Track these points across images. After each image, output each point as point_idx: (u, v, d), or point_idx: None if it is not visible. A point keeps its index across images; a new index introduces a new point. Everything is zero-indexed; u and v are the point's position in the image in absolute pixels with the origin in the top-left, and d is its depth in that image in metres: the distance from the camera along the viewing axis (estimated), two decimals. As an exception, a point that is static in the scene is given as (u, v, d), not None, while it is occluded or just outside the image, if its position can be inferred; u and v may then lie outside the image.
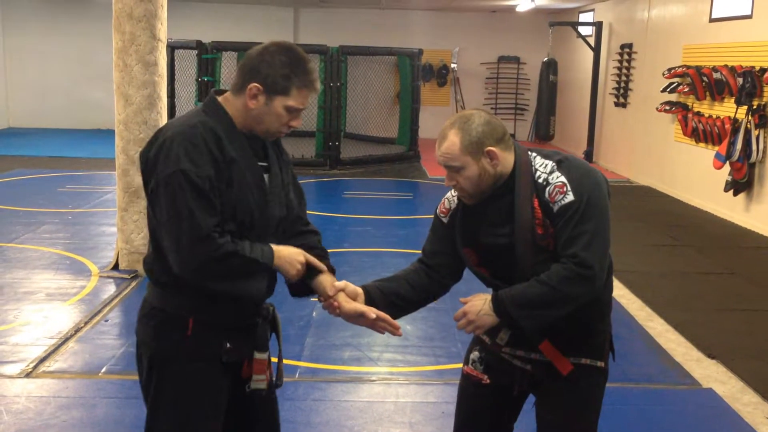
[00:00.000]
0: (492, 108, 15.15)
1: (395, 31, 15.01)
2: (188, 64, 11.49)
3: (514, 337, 2.16)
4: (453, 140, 2.06)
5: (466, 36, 15.57)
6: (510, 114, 15.46)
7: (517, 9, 13.87)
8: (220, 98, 2.08)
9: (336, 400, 3.81)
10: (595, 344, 2.19)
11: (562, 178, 2.03)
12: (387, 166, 11.82)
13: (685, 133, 9.32)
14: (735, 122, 7.91)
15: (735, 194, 8.10)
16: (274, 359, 2.22)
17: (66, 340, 4.46)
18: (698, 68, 8.85)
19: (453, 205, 2.25)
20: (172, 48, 11.10)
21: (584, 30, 12.83)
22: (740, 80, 7.84)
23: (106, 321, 4.81)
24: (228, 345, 2.07)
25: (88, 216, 7.79)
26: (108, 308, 5.03)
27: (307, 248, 2.22)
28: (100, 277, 5.68)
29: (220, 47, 10.85)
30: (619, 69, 11.71)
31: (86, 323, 4.74)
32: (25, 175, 10.11)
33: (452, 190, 2.22)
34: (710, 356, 4.45)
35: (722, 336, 4.79)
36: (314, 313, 4.84)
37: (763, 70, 7.56)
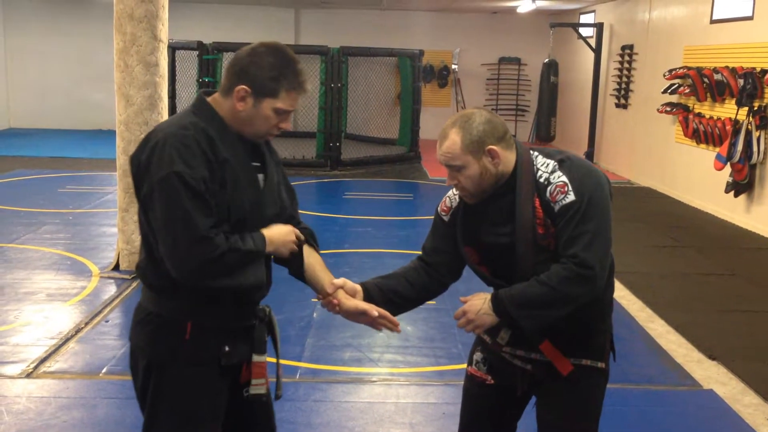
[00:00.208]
0: (493, 109, 15.14)
1: (396, 32, 15.02)
2: (189, 64, 11.50)
3: (514, 336, 2.16)
4: (454, 139, 2.06)
5: (466, 37, 15.57)
6: (511, 115, 15.46)
7: (518, 10, 13.88)
8: (209, 99, 2.05)
9: (337, 400, 3.81)
10: (596, 345, 2.19)
11: (564, 178, 2.02)
12: (388, 167, 11.82)
13: (686, 135, 9.32)
14: (736, 123, 7.90)
15: (736, 195, 8.09)
16: (271, 359, 2.20)
17: (67, 340, 4.46)
18: (699, 69, 8.85)
19: (454, 204, 2.25)
20: (173, 49, 11.12)
21: (585, 31, 12.83)
22: (741, 81, 7.84)
23: (107, 321, 4.82)
24: (226, 348, 2.06)
25: (89, 216, 7.79)
26: (109, 309, 5.04)
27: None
28: (101, 277, 5.68)
29: (221, 48, 10.86)
30: (620, 70, 11.71)
31: (87, 324, 4.74)
32: (26, 176, 10.12)
33: (454, 189, 2.21)
34: (711, 357, 4.45)
35: (723, 337, 4.79)
36: (315, 314, 4.84)
37: (764, 72, 7.56)
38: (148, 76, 5.48)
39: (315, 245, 2.25)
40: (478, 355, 2.33)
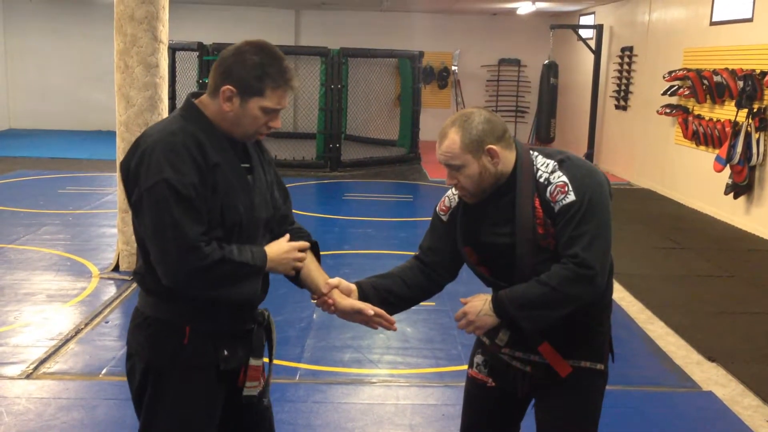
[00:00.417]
0: (492, 110, 15.10)
1: (396, 33, 15.02)
2: (189, 65, 11.52)
3: (513, 338, 2.16)
4: (453, 138, 2.06)
5: (466, 38, 15.58)
6: (510, 116, 15.46)
7: (518, 12, 13.89)
8: (197, 101, 2.03)
9: (336, 402, 3.81)
10: (595, 347, 2.19)
11: (564, 178, 2.02)
12: (388, 168, 11.82)
13: (685, 136, 9.33)
14: (735, 125, 7.91)
15: (735, 197, 8.10)
16: (266, 360, 2.21)
17: (66, 341, 4.47)
18: (699, 71, 8.86)
19: (453, 204, 2.25)
20: (173, 50, 11.14)
21: (585, 33, 12.84)
22: (741, 83, 7.85)
23: (107, 322, 4.82)
24: (225, 352, 2.05)
25: (89, 217, 7.79)
26: (108, 310, 5.04)
27: None
28: (101, 278, 5.68)
29: (222, 49, 10.78)
30: (620, 72, 11.72)
31: (87, 324, 4.74)
32: (26, 177, 10.12)
33: (453, 189, 2.21)
34: (710, 359, 4.45)
35: (722, 339, 4.79)
36: (314, 315, 4.84)
37: (763, 73, 7.56)
38: (148, 77, 5.48)
39: (315, 248, 2.23)
40: (478, 358, 2.33)
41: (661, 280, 6.16)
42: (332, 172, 11.24)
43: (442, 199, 2.30)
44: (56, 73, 15.50)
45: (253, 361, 2.11)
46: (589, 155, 12.31)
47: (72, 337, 4.53)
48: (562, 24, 13.40)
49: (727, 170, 8.04)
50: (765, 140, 7.66)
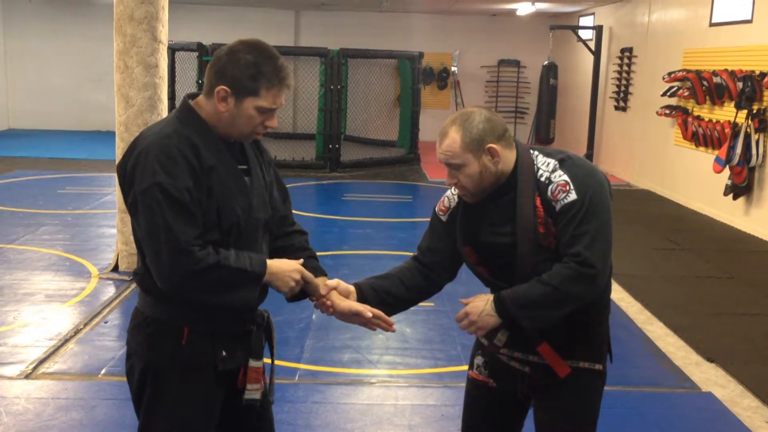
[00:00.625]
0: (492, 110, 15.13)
1: (396, 33, 15.03)
2: (189, 66, 11.52)
3: (512, 338, 2.16)
4: (454, 137, 2.05)
5: (466, 39, 15.58)
6: (510, 117, 15.46)
7: (518, 12, 13.89)
8: (193, 102, 2.02)
9: (336, 402, 3.81)
10: (594, 347, 2.19)
11: (565, 177, 2.02)
12: (387, 168, 11.83)
13: (685, 137, 9.33)
14: (735, 126, 7.91)
15: (735, 198, 8.10)
16: (267, 360, 2.20)
17: (65, 341, 4.46)
18: (698, 72, 8.86)
19: (453, 204, 2.24)
20: (172, 50, 11.13)
21: (584, 34, 12.84)
22: (740, 84, 7.86)
23: (106, 322, 4.82)
24: (224, 353, 2.04)
25: (88, 217, 7.79)
26: (107, 310, 5.03)
27: (295, 249, 2.19)
28: (100, 278, 5.68)
29: (221, 49, 10.84)
30: (620, 73, 11.72)
31: (86, 325, 4.74)
32: (25, 177, 10.11)
33: (453, 188, 2.20)
34: (709, 360, 4.45)
35: (722, 340, 4.79)
36: (314, 316, 4.84)
37: (763, 75, 7.57)
38: (147, 77, 5.48)
39: (318, 267, 2.21)
40: (478, 359, 2.32)
41: (661, 280, 6.16)
42: (332, 173, 11.23)
43: (442, 199, 2.30)
44: (56, 73, 15.50)
45: (252, 363, 2.10)
46: (589, 156, 12.31)
47: (71, 338, 4.52)
48: (562, 25, 13.41)
49: (727, 171, 8.04)
50: (764, 141, 7.67)
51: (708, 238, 7.69)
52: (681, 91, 9.32)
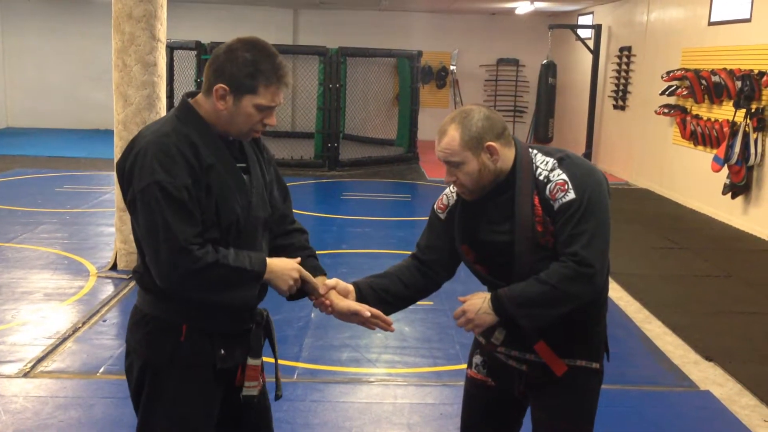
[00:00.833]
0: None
1: (395, 32, 15.02)
2: (187, 64, 11.51)
3: (509, 337, 2.16)
4: (453, 135, 2.05)
5: (465, 38, 15.58)
6: (509, 116, 15.46)
7: (517, 11, 13.89)
8: (192, 101, 2.02)
9: (334, 401, 3.81)
10: (591, 345, 2.19)
11: (564, 176, 2.02)
12: (386, 167, 11.83)
13: (683, 136, 9.34)
14: (733, 125, 7.92)
15: (733, 197, 8.11)
16: (267, 359, 2.19)
17: (64, 340, 4.46)
18: (697, 71, 8.87)
19: (451, 202, 2.24)
20: (171, 48, 11.12)
21: (583, 33, 12.84)
22: (739, 83, 7.86)
23: (104, 321, 4.81)
24: (222, 352, 2.04)
25: (87, 216, 7.78)
26: (106, 308, 5.03)
27: (295, 248, 2.19)
28: (98, 277, 5.68)
29: (220, 48, 10.83)
30: (618, 72, 11.73)
31: (84, 323, 4.74)
32: (24, 175, 10.10)
33: (451, 186, 2.20)
34: (708, 359, 4.46)
35: (720, 338, 4.79)
36: (313, 314, 4.84)
37: (761, 74, 7.57)
38: (146, 75, 5.48)
39: (318, 266, 2.22)
40: (477, 358, 2.32)
41: (659, 279, 6.17)
42: (330, 172, 11.23)
43: (440, 197, 2.29)
44: (54, 71, 15.48)
45: (251, 361, 2.10)
46: (588, 155, 12.31)
47: (69, 336, 4.52)
48: (561, 24, 13.40)
49: (725, 170, 8.04)
50: (763, 140, 7.68)
51: (706, 237, 7.69)
52: (680, 90, 9.32)
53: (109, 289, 5.43)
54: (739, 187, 7.95)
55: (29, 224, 7.25)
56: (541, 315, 2.02)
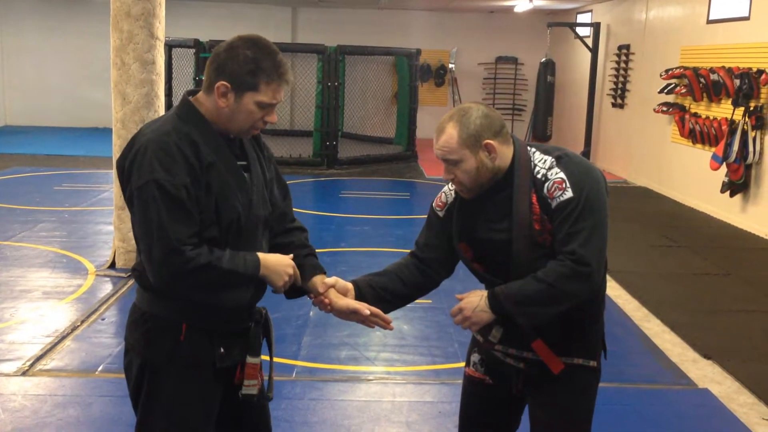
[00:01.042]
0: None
1: (393, 31, 15.01)
2: (186, 62, 11.49)
3: (506, 335, 2.16)
4: (451, 133, 2.05)
5: (464, 36, 15.58)
6: (507, 114, 15.47)
7: (515, 9, 13.88)
8: (192, 99, 2.03)
9: (333, 399, 3.81)
10: (588, 344, 2.19)
11: (561, 174, 2.02)
12: (384, 165, 11.83)
13: (682, 134, 9.34)
14: (732, 123, 7.92)
15: (731, 195, 8.11)
16: (265, 357, 2.19)
17: (62, 338, 4.46)
18: (695, 69, 8.87)
19: (450, 199, 2.24)
20: (169, 46, 11.09)
21: (582, 31, 12.84)
22: (737, 82, 7.86)
23: (103, 319, 4.81)
24: (222, 350, 2.04)
25: (85, 214, 7.78)
26: (105, 307, 5.03)
27: (295, 247, 2.18)
28: (97, 275, 5.68)
29: (218, 46, 10.82)
30: (617, 70, 11.73)
31: (83, 322, 4.73)
32: (22, 173, 10.09)
33: (450, 184, 2.20)
34: (706, 357, 4.46)
35: (718, 337, 4.80)
36: (311, 313, 4.84)
37: (760, 72, 7.57)
38: (144, 73, 5.47)
39: (318, 264, 2.22)
40: (475, 357, 2.33)
41: (658, 278, 6.17)
42: (329, 170, 11.23)
43: (439, 194, 2.29)
44: (52, 70, 15.46)
45: (250, 359, 2.10)
46: (586, 153, 12.30)
47: (68, 334, 4.52)
48: (559, 22, 13.40)
49: (724, 168, 8.05)
50: (761, 138, 7.68)
51: (705, 236, 7.70)
52: (678, 88, 9.32)
53: (107, 287, 5.43)
54: (738, 185, 7.95)
55: (28, 222, 7.25)
56: (538, 313, 2.02)
